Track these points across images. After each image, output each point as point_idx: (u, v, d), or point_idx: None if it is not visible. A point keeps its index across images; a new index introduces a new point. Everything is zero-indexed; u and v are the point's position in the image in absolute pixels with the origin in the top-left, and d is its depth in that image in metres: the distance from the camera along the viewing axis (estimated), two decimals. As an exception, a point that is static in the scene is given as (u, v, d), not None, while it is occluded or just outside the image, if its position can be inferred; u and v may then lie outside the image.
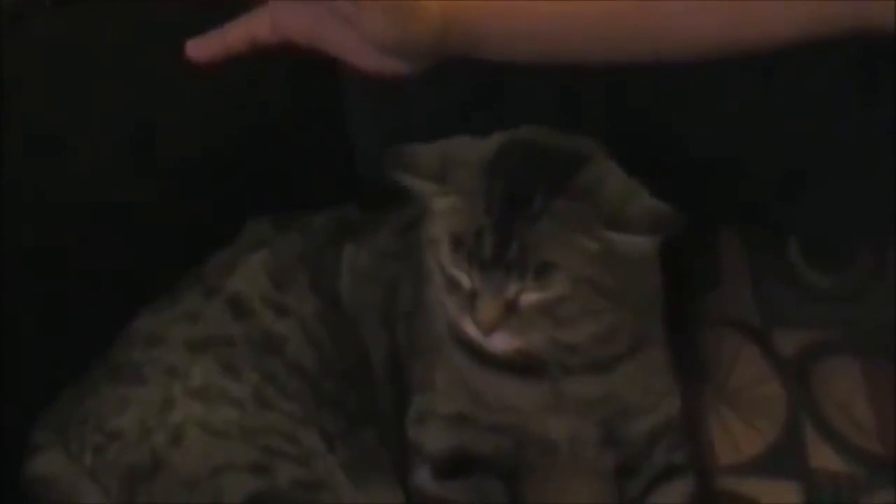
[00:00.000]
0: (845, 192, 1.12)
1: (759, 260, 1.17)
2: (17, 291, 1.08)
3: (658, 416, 1.05)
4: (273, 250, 1.11)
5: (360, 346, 1.09)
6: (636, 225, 0.93)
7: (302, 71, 1.15)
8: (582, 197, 0.94)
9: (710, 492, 1.07)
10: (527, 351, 0.97)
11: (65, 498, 1.04)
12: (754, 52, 0.96)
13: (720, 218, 1.16)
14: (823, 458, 1.08)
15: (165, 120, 1.14)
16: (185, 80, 1.02)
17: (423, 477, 1.05)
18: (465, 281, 0.95)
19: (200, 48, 0.96)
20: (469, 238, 0.94)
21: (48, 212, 1.11)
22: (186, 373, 1.05)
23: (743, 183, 1.15)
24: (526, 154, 0.96)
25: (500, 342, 0.95)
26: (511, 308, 0.94)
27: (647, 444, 1.06)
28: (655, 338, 1.03)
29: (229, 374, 1.06)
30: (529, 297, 0.94)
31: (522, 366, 1.00)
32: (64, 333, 1.10)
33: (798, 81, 1.09)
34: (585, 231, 0.93)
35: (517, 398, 1.02)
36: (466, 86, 1.09)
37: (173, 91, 1.13)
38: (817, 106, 1.10)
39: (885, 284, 1.15)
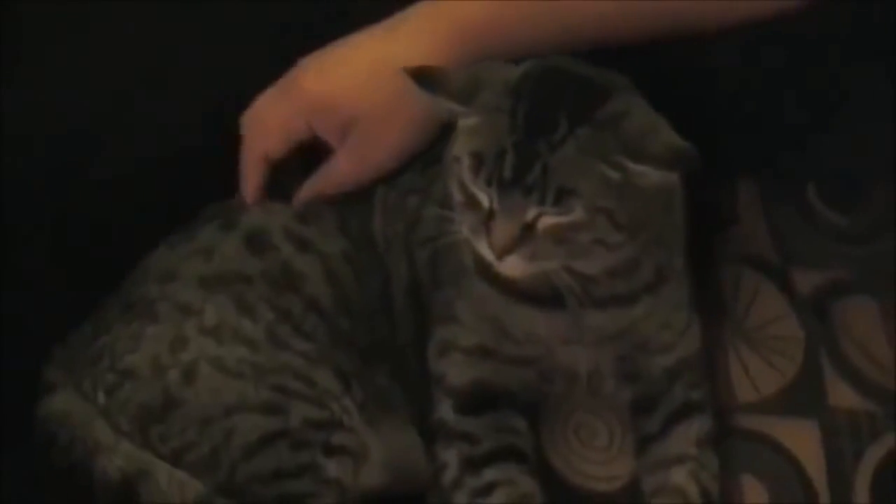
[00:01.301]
0: (861, 131, 1.13)
1: (776, 200, 1.16)
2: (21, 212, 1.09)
3: (678, 352, 1.05)
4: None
5: (386, 282, 1.08)
6: (656, 158, 0.92)
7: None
8: (606, 127, 0.94)
9: (728, 429, 1.07)
10: (539, 278, 0.97)
11: (79, 437, 1.04)
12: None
13: (738, 168, 1.17)
14: (842, 396, 1.08)
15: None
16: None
17: (445, 410, 1.05)
18: (483, 200, 0.95)
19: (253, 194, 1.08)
20: (490, 158, 0.94)
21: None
22: (200, 310, 1.05)
23: (760, 130, 1.16)
24: (554, 80, 0.96)
25: (513, 266, 0.95)
26: (527, 232, 0.94)
27: (666, 381, 1.06)
28: (677, 272, 1.03)
29: (244, 313, 1.06)
30: (546, 222, 0.94)
31: (544, 296, 0.99)
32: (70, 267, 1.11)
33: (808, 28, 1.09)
34: (607, 160, 0.93)
35: (539, 329, 1.02)
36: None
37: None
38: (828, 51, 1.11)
39: (902, 223, 1.13)
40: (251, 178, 1.09)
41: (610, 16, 1.02)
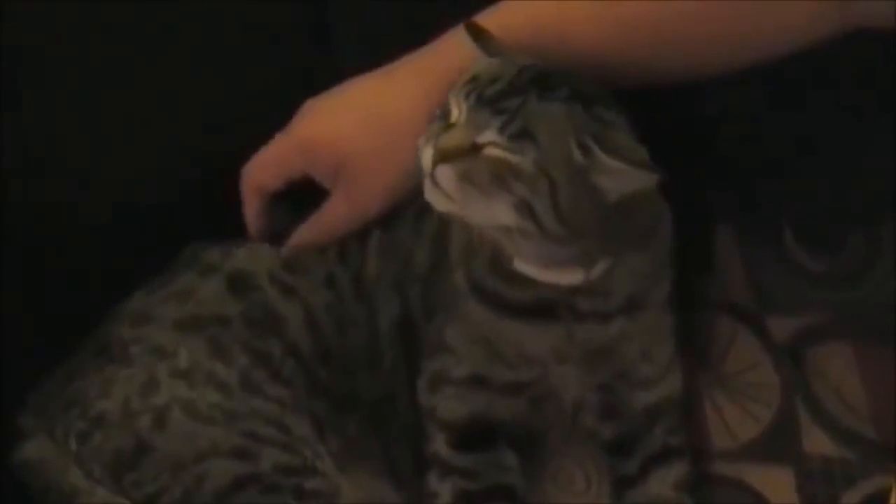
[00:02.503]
0: (838, 175, 1.13)
1: (752, 245, 1.16)
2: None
3: (660, 390, 1.05)
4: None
5: (371, 326, 1.08)
6: (622, 155, 0.92)
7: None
8: (595, 119, 0.94)
9: (704, 476, 1.06)
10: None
11: (54, 484, 1.03)
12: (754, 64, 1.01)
13: (715, 213, 1.17)
14: (817, 442, 1.08)
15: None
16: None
17: (439, 445, 1.05)
18: (453, 112, 0.95)
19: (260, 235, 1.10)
20: (484, 80, 0.95)
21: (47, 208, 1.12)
22: (173, 353, 1.04)
23: (737, 169, 1.16)
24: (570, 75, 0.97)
25: (444, 176, 0.94)
26: (472, 151, 0.93)
27: (646, 420, 1.05)
28: (658, 304, 1.03)
29: (218, 356, 1.05)
30: (493, 151, 0.93)
31: (536, 311, 1.00)
32: (45, 312, 1.11)
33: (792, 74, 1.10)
34: (579, 139, 0.93)
35: (532, 345, 1.01)
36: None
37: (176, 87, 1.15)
38: (808, 94, 1.12)
39: (879, 268, 1.14)
40: (247, 209, 1.10)
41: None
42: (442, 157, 0.93)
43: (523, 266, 0.99)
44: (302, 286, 1.08)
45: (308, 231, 1.10)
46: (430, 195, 0.95)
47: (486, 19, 1.02)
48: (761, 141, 1.14)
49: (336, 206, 1.08)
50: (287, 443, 1.02)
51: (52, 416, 1.04)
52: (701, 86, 1.06)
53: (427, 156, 0.94)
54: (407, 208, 1.08)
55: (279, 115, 1.09)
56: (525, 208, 0.93)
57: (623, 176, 0.93)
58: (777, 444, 1.08)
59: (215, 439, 1.01)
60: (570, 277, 0.99)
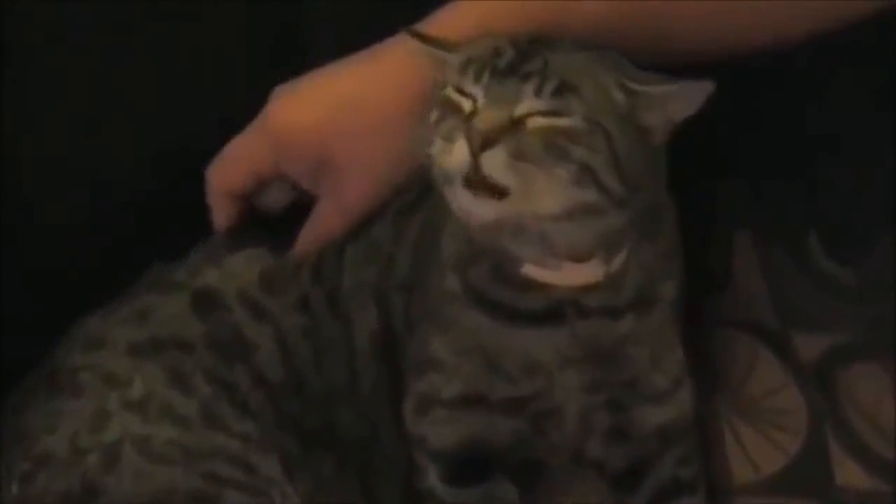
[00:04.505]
0: (865, 175, 1.09)
1: (773, 256, 1.12)
2: None
3: (671, 408, 1.01)
4: (274, 251, 1.05)
5: (349, 346, 1.03)
6: (664, 83, 0.88)
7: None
8: (610, 61, 0.89)
9: (722, 514, 1.04)
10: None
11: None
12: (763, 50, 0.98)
13: (732, 221, 1.14)
14: (849, 474, 1.04)
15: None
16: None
17: (432, 479, 1.00)
18: (465, 103, 0.87)
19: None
20: (484, 56, 0.88)
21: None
22: (127, 381, 0.99)
23: (754, 169, 1.13)
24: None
25: (495, 163, 0.85)
26: (514, 127, 0.86)
27: (656, 443, 1.01)
28: (666, 302, 0.98)
29: (177, 385, 0.99)
30: (538, 122, 0.86)
31: (542, 313, 0.95)
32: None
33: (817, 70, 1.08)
34: (614, 77, 0.87)
35: (538, 351, 0.96)
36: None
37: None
38: (833, 87, 1.09)
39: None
40: (217, 215, 1.05)
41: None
42: (487, 141, 0.85)
43: (533, 271, 0.93)
44: (275, 308, 1.03)
45: (304, 243, 1.04)
46: (471, 202, 0.87)
47: (465, 6, 0.97)
48: (781, 138, 1.11)
49: (325, 211, 1.02)
50: (252, 484, 0.97)
51: (2, 448, 0.99)
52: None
53: (459, 153, 0.86)
54: (386, 206, 1.03)
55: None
56: (587, 174, 0.86)
57: (672, 99, 0.88)
58: (805, 477, 1.04)
59: (172, 481, 0.96)
60: (589, 275, 0.93)
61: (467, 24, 0.96)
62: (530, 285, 0.94)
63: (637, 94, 0.88)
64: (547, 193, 0.86)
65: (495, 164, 0.85)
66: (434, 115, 0.90)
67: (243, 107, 1.03)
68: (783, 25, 0.97)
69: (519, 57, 0.88)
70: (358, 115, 0.99)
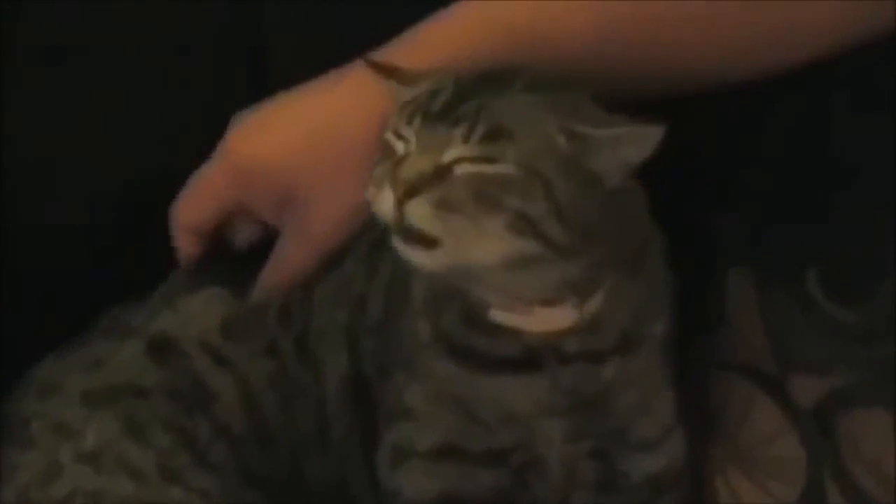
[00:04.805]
0: (869, 209, 1.05)
1: (771, 294, 1.08)
2: None
3: (663, 456, 0.99)
4: (237, 292, 1.02)
5: (318, 392, 1.00)
6: (615, 123, 0.85)
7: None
8: (562, 100, 0.86)
9: (717, 569, 1.02)
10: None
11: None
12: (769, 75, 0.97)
13: (727, 256, 1.10)
14: None
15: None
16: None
17: None
18: (398, 146, 0.85)
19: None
20: (422, 98, 0.86)
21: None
22: (80, 431, 0.96)
23: (750, 200, 1.09)
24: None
25: (418, 212, 0.84)
26: (441, 175, 0.83)
27: (649, 495, 0.99)
28: (654, 341, 0.96)
29: (133, 435, 0.96)
30: (466, 169, 0.83)
31: (518, 360, 0.93)
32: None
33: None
34: (557, 123, 0.84)
35: (516, 401, 0.94)
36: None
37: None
38: (835, 114, 1.06)
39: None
40: (181, 252, 1.03)
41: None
42: (408, 192, 0.83)
43: (502, 316, 0.91)
44: (239, 356, 0.99)
45: (268, 282, 1.01)
46: (404, 251, 0.86)
47: (446, 22, 0.95)
48: (781, 169, 1.07)
49: (289, 247, 1.00)
50: None
51: None
52: (709, 99, 1.00)
53: (386, 201, 0.84)
54: (359, 239, 1.00)
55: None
56: (523, 224, 0.84)
57: (622, 143, 0.85)
58: (803, 530, 1.01)
59: (126, 540, 0.92)
60: (561, 319, 0.91)
61: (447, 46, 0.94)
62: (502, 330, 0.92)
63: (582, 139, 0.84)
64: (480, 244, 0.84)
65: (419, 214, 0.84)
66: (377, 157, 0.88)
67: (204, 128, 1.01)
68: (785, 49, 0.96)
69: (454, 99, 0.85)
70: (323, 143, 0.96)
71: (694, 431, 1.02)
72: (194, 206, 1.01)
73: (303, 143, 0.97)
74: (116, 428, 0.96)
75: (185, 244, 1.03)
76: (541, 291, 0.89)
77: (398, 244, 0.85)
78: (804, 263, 1.08)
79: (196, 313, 1.01)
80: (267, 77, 1.06)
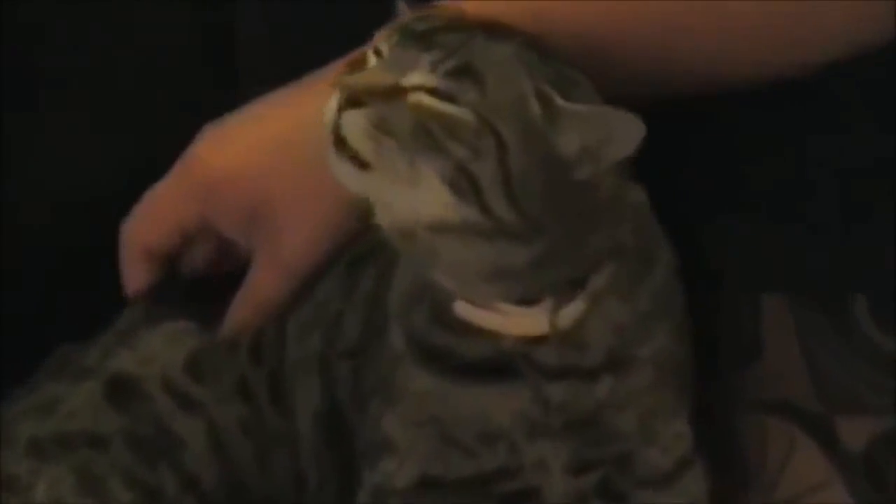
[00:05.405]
0: None
1: (811, 323, 1.03)
2: None
3: (677, 496, 0.94)
4: (203, 326, 0.99)
5: (293, 432, 0.97)
6: (590, 105, 0.82)
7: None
8: (553, 70, 0.82)
9: None
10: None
11: None
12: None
13: (763, 278, 1.05)
14: None
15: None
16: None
17: None
18: (371, 58, 0.83)
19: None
20: (412, 19, 0.84)
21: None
22: (29, 486, 0.93)
23: (793, 225, 1.04)
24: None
25: (351, 125, 0.81)
26: (393, 95, 0.81)
27: None
28: (645, 362, 0.91)
29: (89, 490, 0.93)
30: (420, 99, 0.80)
31: (494, 366, 0.89)
32: None
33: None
34: (535, 83, 0.81)
35: (493, 410, 0.90)
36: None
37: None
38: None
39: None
40: (131, 278, 1.00)
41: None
42: (350, 101, 0.81)
43: (468, 311, 0.88)
44: (207, 398, 0.97)
45: (239, 314, 0.98)
46: (336, 164, 0.83)
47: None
48: (820, 181, 1.02)
49: (261, 271, 0.96)
50: None
51: None
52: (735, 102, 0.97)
53: (331, 105, 0.82)
54: (336, 259, 0.97)
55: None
56: (463, 179, 0.81)
57: (591, 125, 0.81)
58: (850, 590, 0.98)
59: None
60: (532, 324, 0.88)
61: None
62: (469, 330, 0.89)
63: (555, 109, 0.81)
64: (412, 190, 0.81)
65: (353, 126, 0.81)
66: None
67: (171, 131, 0.98)
68: (799, 48, 0.94)
69: (443, 27, 0.83)
70: (296, 155, 0.94)
71: (728, 480, 0.98)
72: (150, 225, 0.98)
73: (274, 156, 0.95)
74: (70, 482, 0.93)
75: (136, 271, 1.00)
76: (482, 274, 0.85)
77: (330, 155, 0.82)
78: (848, 289, 1.03)
79: (158, 350, 0.98)
80: (237, 78, 1.06)
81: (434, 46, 0.81)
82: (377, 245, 0.92)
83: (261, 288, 0.97)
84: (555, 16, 0.90)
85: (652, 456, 0.93)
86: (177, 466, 0.95)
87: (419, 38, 0.82)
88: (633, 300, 0.90)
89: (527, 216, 0.82)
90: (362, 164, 0.81)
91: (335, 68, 0.92)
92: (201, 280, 1.01)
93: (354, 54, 0.88)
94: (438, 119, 0.80)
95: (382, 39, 0.83)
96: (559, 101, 0.81)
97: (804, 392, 1.02)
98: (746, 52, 0.94)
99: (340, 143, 0.81)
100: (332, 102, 0.81)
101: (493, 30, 0.84)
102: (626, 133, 0.81)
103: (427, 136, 0.80)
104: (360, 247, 0.96)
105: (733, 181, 1.02)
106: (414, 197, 0.82)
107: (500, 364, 0.90)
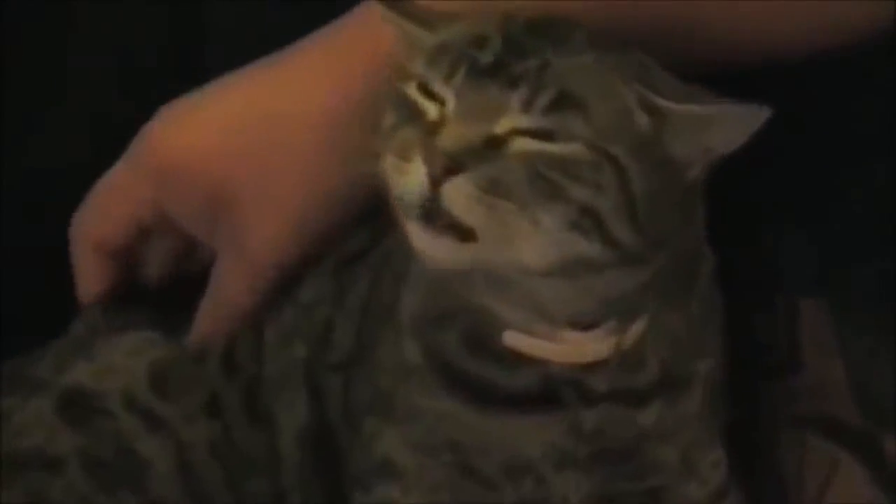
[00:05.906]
0: None
1: (852, 331, 0.99)
2: None
3: None
4: (168, 335, 0.94)
5: (272, 453, 0.92)
6: (691, 98, 0.77)
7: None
8: (632, 61, 0.77)
9: None
10: (469, 257, 0.77)
11: None
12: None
13: (800, 283, 1.02)
14: None
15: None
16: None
17: None
18: (430, 108, 0.76)
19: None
20: (462, 44, 0.77)
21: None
22: None
23: (831, 226, 1.01)
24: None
25: (459, 195, 0.74)
26: (491, 149, 0.74)
27: None
28: (701, 381, 0.88)
29: None
30: (524, 145, 0.74)
31: (532, 394, 0.84)
32: None
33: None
34: (637, 91, 0.76)
35: (525, 443, 0.86)
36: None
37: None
38: None
39: None
40: (82, 276, 0.95)
41: None
42: (449, 168, 0.74)
43: (519, 340, 0.82)
44: (174, 417, 0.92)
45: (206, 320, 0.93)
46: (425, 242, 0.76)
47: None
48: (859, 180, 1.00)
49: (226, 273, 0.91)
50: None
51: None
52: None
53: (415, 177, 0.75)
54: (324, 259, 0.92)
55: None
56: (588, 221, 0.76)
57: (714, 124, 0.77)
58: None
59: None
60: (594, 349, 0.83)
61: None
62: (514, 358, 0.83)
63: (666, 115, 0.77)
64: (529, 242, 0.76)
65: (460, 197, 0.74)
66: (389, 120, 0.79)
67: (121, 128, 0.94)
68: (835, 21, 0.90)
69: (508, 51, 0.77)
70: (263, 140, 0.88)
71: (762, 501, 0.94)
72: (101, 216, 0.94)
73: (239, 136, 0.89)
74: None
75: (88, 268, 0.95)
76: (583, 307, 0.81)
77: (418, 233, 0.76)
78: (892, 294, 0.99)
79: (119, 362, 0.93)
80: (206, 78, 0.98)
81: (516, 81, 0.75)
82: (370, 244, 0.89)
83: (226, 290, 0.92)
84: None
85: (689, 490, 0.90)
86: (140, 492, 0.91)
87: (491, 74, 0.76)
88: (685, 308, 0.87)
89: (649, 236, 0.78)
90: (466, 236, 0.75)
91: (319, 36, 0.89)
92: (165, 285, 0.97)
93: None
94: (550, 163, 0.75)
95: (430, 75, 0.77)
96: (662, 102, 0.76)
97: (846, 406, 0.98)
98: (775, 23, 0.89)
99: (434, 217, 0.75)
100: (419, 173, 0.75)
101: (550, 30, 0.79)
102: (740, 125, 0.77)
103: (544, 185, 0.75)
104: (348, 246, 0.91)
105: (774, 184, 0.99)
106: (530, 249, 0.76)
107: (543, 393, 0.85)
